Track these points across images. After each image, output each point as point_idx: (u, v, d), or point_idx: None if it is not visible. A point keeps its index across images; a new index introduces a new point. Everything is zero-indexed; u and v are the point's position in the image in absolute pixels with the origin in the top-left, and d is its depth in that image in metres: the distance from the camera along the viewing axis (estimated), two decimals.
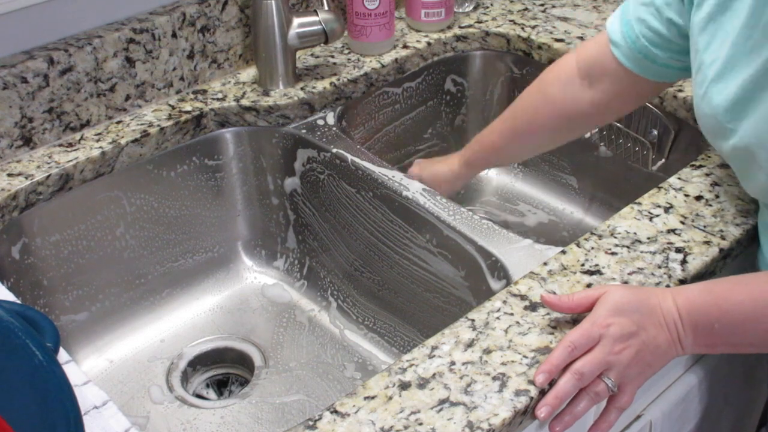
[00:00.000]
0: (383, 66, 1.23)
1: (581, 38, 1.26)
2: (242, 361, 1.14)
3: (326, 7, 1.16)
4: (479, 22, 1.33)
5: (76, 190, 1.04)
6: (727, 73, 0.78)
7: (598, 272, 0.84)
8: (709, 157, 1.00)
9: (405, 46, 1.27)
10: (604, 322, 0.73)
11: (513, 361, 0.75)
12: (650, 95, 1.06)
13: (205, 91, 1.17)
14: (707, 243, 0.88)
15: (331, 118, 1.17)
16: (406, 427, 0.69)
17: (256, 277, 1.24)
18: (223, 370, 1.14)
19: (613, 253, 0.87)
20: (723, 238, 0.88)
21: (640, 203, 0.94)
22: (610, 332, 0.73)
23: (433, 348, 0.76)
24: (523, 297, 0.81)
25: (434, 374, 0.74)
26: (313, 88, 1.18)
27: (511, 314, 0.79)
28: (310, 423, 0.70)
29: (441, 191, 1.05)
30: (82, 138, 1.07)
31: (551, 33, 1.29)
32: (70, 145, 1.06)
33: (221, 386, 1.13)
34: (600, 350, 0.73)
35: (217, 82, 1.19)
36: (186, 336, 1.16)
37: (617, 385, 0.74)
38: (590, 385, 0.74)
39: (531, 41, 1.28)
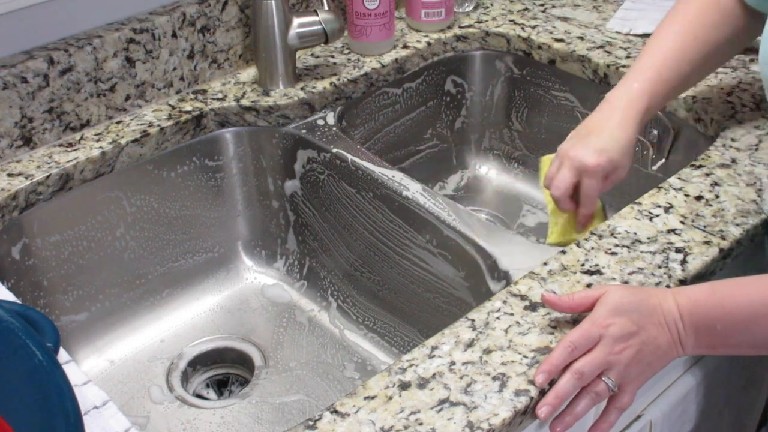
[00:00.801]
0: (383, 66, 1.23)
1: (581, 38, 1.26)
2: (242, 361, 1.14)
3: (326, 7, 1.16)
4: (479, 22, 1.33)
5: (76, 190, 1.04)
6: None
7: (598, 272, 0.84)
8: (709, 157, 1.00)
9: (405, 46, 1.27)
10: (605, 322, 0.73)
11: (513, 361, 0.75)
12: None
13: (205, 91, 1.17)
14: (707, 243, 0.88)
15: (331, 118, 1.17)
16: (406, 427, 0.69)
17: (256, 277, 1.24)
18: (223, 370, 1.14)
19: (613, 253, 0.87)
20: (723, 238, 0.88)
21: (640, 203, 0.94)
22: (610, 332, 0.73)
23: (433, 348, 0.76)
24: (523, 297, 0.81)
25: (434, 374, 0.74)
26: (313, 88, 1.18)
27: (511, 314, 0.79)
28: (310, 423, 0.70)
29: (624, 169, 0.93)
30: (82, 138, 1.07)
31: (551, 33, 1.29)
32: (70, 145, 1.06)
33: (221, 386, 1.13)
34: (600, 350, 0.73)
35: (217, 82, 1.19)
36: (186, 336, 1.16)
37: (617, 385, 0.74)
38: (590, 385, 0.74)
39: (531, 41, 1.28)
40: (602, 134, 0.91)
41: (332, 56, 1.25)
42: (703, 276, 0.86)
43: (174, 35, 1.12)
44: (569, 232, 0.97)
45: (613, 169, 0.91)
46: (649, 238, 0.88)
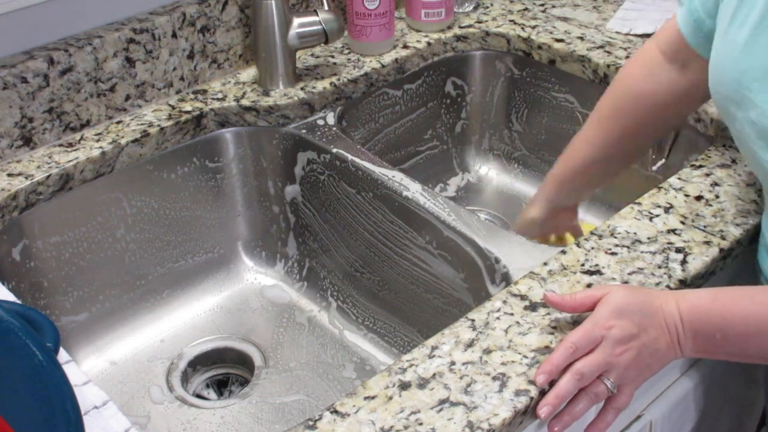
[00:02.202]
0: (383, 66, 1.23)
1: (581, 38, 1.27)
2: (242, 361, 1.14)
3: (326, 7, 1.16)
4: (479, 22, 1.33)
5: (76, 191, 1.04)
6: (760, 38, 0.76)
7: (598, 272, 0.84)
8: (709, 157, 1.00)
9: (405, 46, 1.27)
10: (606, 323, 0.73)
11: (513, 361, 0.75)
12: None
13: (205, 91, 1.17)
14: (707, 243, 0.88)
15: (331, 118, 1.17)
16: (406, 427, 0.69)
17: (257, 278, 1.24)
18: (223, 370, 1.14)
19: (613, 253, 0.87)
20: (723, 238, 0.88)
21: (640, 203, 0.94)
22: (611, 334, 0.73)
23: (433, 348, 0.76)
24: (523, 297, 0.81)
25: (434, 374, 0.74)
26: (313, 88, 1.18)
27: (511, 314, 0.79)
28: (310, 423, 0.70)
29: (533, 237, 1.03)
30: (82, 138, 1.07)
31: (551, 33, 1.29)
32: (70, 145, 1.06)
33: (221, 386, 1.13)
34: (601, 352, 0.73)
35: (217, 82, 1.19)
36: (186, 336, 1.16)
37: (616, 386, 0.74)
38: (590, 385, 0.74)
39: (531, 41, 1.28)
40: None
41: (332, 56, 1.25)
42: (703, 276, 0.86)
43: (174, 35, 1.12)
44: None
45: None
46: (649, 238, 0.88)
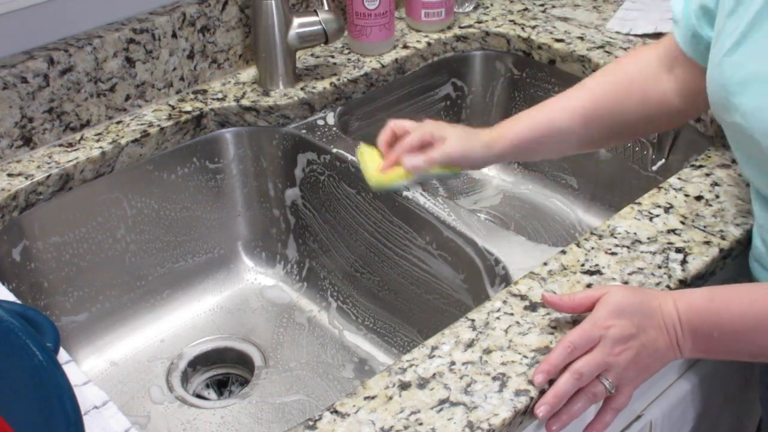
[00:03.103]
0: (383, 66, 1.23)
1: (581, 38, 1.26)
2: (242, 361, 1.14)
3: (326, 7, 1.16)
4: (479, 22, 1.33)
5: (76, 191, 1.04)
6: (741, 46, 0.76)
7: (598, 272, 0.84)
8: (709, 157, 1.00)
9: (405, 46, 1.27)
10: (605, 323, 0.73)
11: (513, 361, 0.75)
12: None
13: (205, 91, 1.17)
14: (707, 243, 0.88)
15: (331, 118, 1.17)
16: (406, 427, 0.69)
17: (257, 278, 1.24)
18: (223, 370, 1.14)
19: (613, 253, 0.87)
20: (723, 238, 0.88)
21: (640, 203, 0.94)
22: (610, 334, 0.73)
23: (433, 348, 0.76)
24: (523, 297, 0.81)
25: (434, 374, 0.74)
26: (313, 88, 1.18)
27: (511, 314, 0.79)
28: (310, 423, 0.70)
29: (446, 151, 0.92)
30: (82, 138, 1.07)
31: (551, 33, 1.29)
32: (70, 145, 1.06)
33: (221, 386, 1.13)
34: (599, 351, 0.73)
35: (217, 82, 1.19)
36: (186, 336, 1.16)
37: (615, 386, 0.74)
38: (588, 385, 0.74)
39: (531, 41, 1.28)
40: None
41: (332, 56, 1.25)
42: (703, 276, 0.86)
43: (174, 35, 1.12)
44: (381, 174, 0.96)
45: (441, 137, 0.93)
46: (649, 238, 0.88)
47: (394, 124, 0.96)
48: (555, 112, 0.96)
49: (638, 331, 0.74)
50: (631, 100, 0.94)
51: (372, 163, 0.95)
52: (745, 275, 0.92)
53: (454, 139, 0.93)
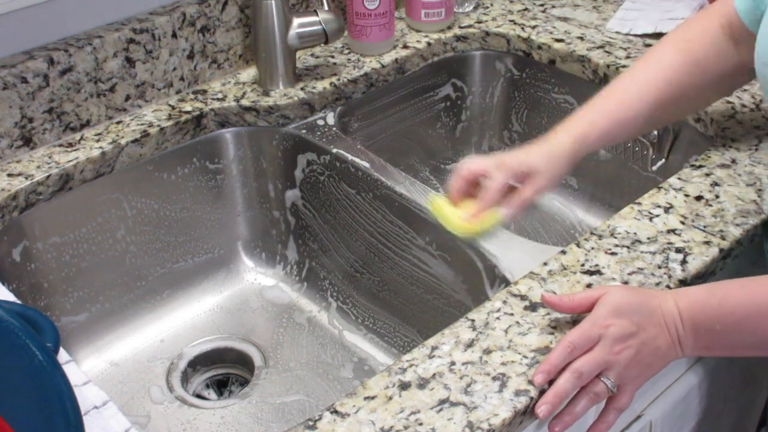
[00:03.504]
0: (383, 66, 1.23)
1: (581, 38, 1.26)
2: (242, 361, 1.14)
3: (326, 7, 1.16)
4: (479, 22, 1.33)
5: (76, 191, 1.04)
6: None
7: (598, 272, 0.84)
8: (709, 157, 1.00)
9: (405, 46, 1.27)
10: (604, 322, 0.73)
11: (513, 361, 0.75)
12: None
13: (205, 91, 1.17)
14: (707, 243, 0.88)
15: (331, 118, 1.17)
16: (406, 427, 0.69)
17: (257, 278, 1.24)
18: (223, 370, 1.14)
19: (613, 253, 0.87)
20: (723, 238, 0.88)
21: (640, 203, 0.94)
22: (609, 333, 0.73)
23: (433, 348, 0.76)
24: (523, 297, 0.81)
25: (434, 374, 0.74)
26: (313, 88, 1.18)
27: (511, 314, 0.79)
28: (310, 423, 0.70)
29: (539, 185, 0.88)
30: (82, 138, 1.07)
31: (551, 33, 1.29)
32: (70, 145, 1.06)
33: (221, 386, 1.13)
34: (599, 350, 0.73)
35: (217, 82, 1.19)
36: (186, 336, 1.16)
37: (616, 385, 0.74)
38: (589, 385, 0.74)
39: (531, 41, 1.28)
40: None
41: (332, 56, 1.25)
42: (703, 276, 0.86)
43: (174, 35, 1.12)
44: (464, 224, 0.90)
45: (528, 171, 0.88)
46: (649, 238, 0.88)
47: (466, 172, 0.88)
48: (633, 102, 0.92)
49: (638, 329, 0.74)
50: (704, 79, 0.93)
51: (452, 215, 0.89)
52: (745, 276, 0.92)
53: (541, 169, 0.87)
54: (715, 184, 0.96)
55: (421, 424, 0.69)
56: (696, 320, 0.75)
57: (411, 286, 1.09)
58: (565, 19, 1.33)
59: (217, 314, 1.19)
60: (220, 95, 1.16)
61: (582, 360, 0.73)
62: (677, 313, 0.75)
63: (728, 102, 1.09)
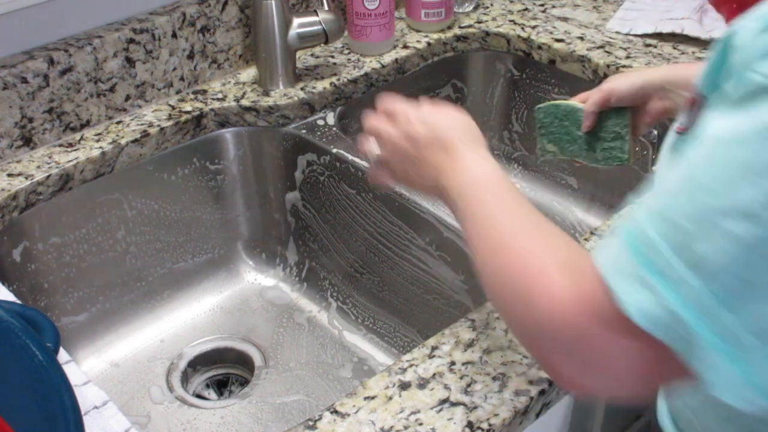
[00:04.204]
0: (383, 66, 1.23)
1: (581, 38, 1.26)
2: (242, 361, 1.14)
3: (326, 7, 1.16)
4: (479, 22, 1.33)
5: (77, 191, 1.04)
6: None
7: None
8: None
9: (405, 46, 1.27)
10: (416, 121, 0.73)
11: (513, 361, 0.75)
12: None
13: (205, 91, 1.17)
14: None
15: (331, 119, 1.17)
16: (406, 427, 0.69)
17: (257, 278, 1.24)
18: (223, 370, 1.14)
19: None
20: None
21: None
22: (410, 130, 0.73)
23: (433, 348, 0.76)
24: None
25: (434, 374, 0.74)
26: (313, 88, 1.18)
27: None
28: (310, 423, 0.70)
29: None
30: (82, 138, 1.07)
31: (551, 33, 1.29)
32: (70, 145, 1.06)
33: (221, 386, 1.13)
34: (393, 127, 0.75)
35: (217, 82, 1.19)
36: (186, 336, 1.16)
37: (380, 160, 0.77)
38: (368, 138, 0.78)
39: (531, 41, 1.28)
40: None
41: (332, 56, 1.25)
42: None
43: (174, 35, 1.12)
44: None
45: (645, 94, 0.90)
46: None
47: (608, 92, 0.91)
48: None
49: (427, 153, 0.72)
50: None
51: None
52: None
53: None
54: None
55: (421, 424, 0.69)
56: (461, 202, 0.69)
57: (411, 286, 1.09)
58: (565, 19, 1.33)
59: (217, 314, 1.19)
60: (220, 95, 1.16)
61: (380, 122, 0.76)
62: (456, 182, 0.70)
63: None
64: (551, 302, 0.55)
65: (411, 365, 0.75)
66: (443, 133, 0.72)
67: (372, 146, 0.79)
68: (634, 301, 0.49)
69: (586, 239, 0.89)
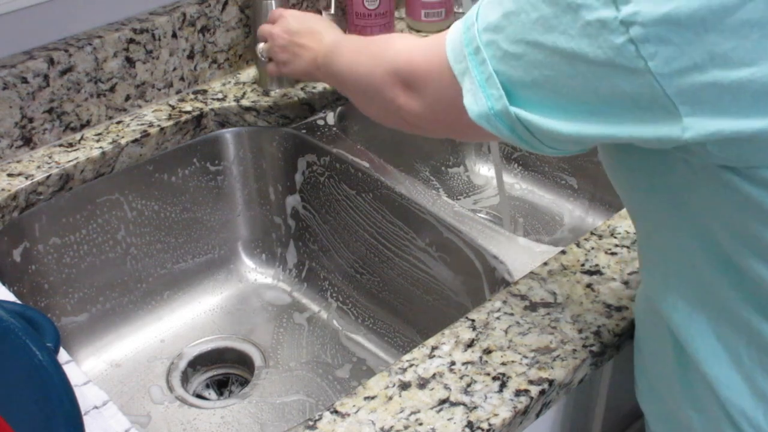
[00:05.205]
0: None
1: None
2: (242, 361, 1.14)
3: (332, 11, 1.17)
4: None
5: (77, 191, 1.04)
6: None
7: (598, 272, 0.84)
8: None
9: None
10: (290, 21, 1.03)
11: (513, 361, 0.75)
12: None
13: (205, 91, 1.17)
14: None
15: (331, 119, 1.17)
16: (406, 427, 0.69)
17: (257, 278, 1.24)
18: (223, 370, 1.14)
19: (613, 253, 0.87)
20: None
21: None
22: (288, 25, 1.02)
23: (433, 348, 0.76)
24: (523, 297, 0.81)
25: (434, 374, 0.74)
26: (313, 88, 1.18)
27: (511, 314, 0.80)
28: (310, 423, 0.70)
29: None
30: (82, 138, 1.07)
31: None
32: (70, 145, 1.06)
33: (221, 386, 1.13)
34: (277, 26, 1.03)
35: (217, 82, 1.19)
36: (186, 336, 1.16)
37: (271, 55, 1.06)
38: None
39: None
40: None
41: None
42: None
43: (174, 35, 1.12)
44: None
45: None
46: None
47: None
48: None
49: (301, 37, 1.00)
50: None
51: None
52: None
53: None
54: None
55: (421, 424, 0.69)
56: (326, 57, 0.95)
57: (411, 287, 1.09)
58: None
59: (217, 314, 1.19)
60: (220, 95, 1.16)
61: (269, 27, 1.05)
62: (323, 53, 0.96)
63: None
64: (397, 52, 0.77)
65: (411, 365, 0.75)
66: (310, 24, 1.01)
67: (263, 47, 1.07)
68: (449, 41, 0.65)
69: (586, 239, 0.89)
